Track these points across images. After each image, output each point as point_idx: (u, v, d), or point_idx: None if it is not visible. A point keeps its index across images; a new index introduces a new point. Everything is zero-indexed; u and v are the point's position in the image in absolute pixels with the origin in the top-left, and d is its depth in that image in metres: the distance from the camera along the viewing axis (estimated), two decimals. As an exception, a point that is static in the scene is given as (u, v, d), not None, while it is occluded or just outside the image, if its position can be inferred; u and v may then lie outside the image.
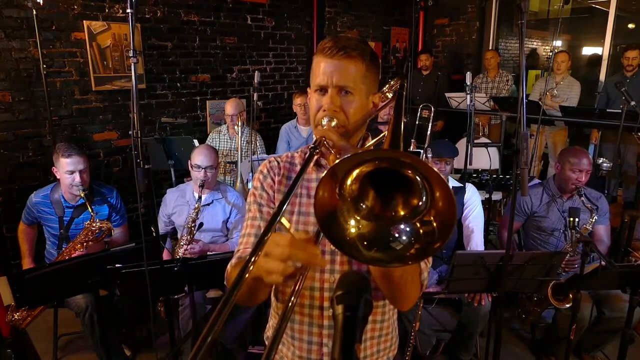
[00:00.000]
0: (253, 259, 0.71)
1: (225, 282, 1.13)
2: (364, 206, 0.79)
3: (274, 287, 1.14)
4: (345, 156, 0.72)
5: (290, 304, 0.78)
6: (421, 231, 0.75)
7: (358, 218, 0.78)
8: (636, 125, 3.75)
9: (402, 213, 0.78)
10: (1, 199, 3.43)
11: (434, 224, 0.74)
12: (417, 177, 0.73)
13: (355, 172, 0.75)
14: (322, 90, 1.05)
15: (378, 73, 1.11)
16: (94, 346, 2.51)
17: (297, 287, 0.80)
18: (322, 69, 1.04)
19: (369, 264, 0.86)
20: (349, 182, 0.76)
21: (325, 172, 0.73)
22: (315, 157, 0.95)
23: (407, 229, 0.76)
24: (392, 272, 0.94)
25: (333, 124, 1.02)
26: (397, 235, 0.77)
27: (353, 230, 0.77)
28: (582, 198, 2.63)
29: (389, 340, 1.22)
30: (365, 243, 0.77)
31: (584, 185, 2.69)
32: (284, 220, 0.81)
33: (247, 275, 0.69)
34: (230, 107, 3.82)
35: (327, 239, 0.77)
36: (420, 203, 0.75)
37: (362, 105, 1.06)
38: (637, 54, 4.56)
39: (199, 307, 2.38)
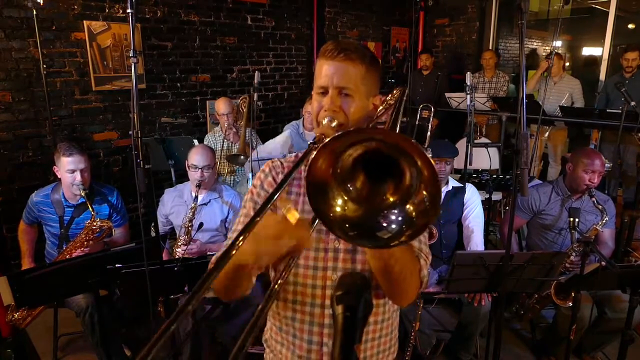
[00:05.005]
0: (239, 241, 0.70)
1: None
2: (352, 188, 0.80)
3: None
4: (346, 131, 0.74)
5: (280, 280, 0.80)
6: (414, 214, 0.75)
7: (346, 199, 0.79)
8: (636, 125, 3.75)
9: (391, 199, 0.78)
10: (1, 199, 3.43)
11: (425, 202, 0.74)
12: (407, 163, 0.74)
13: (351, 151, 0.76)
14: (324, 91, 1.09)
15: (378, 76, 1.15)
16: (94, 346, 2.51)
17: (288, 263, 0.82)
18: (324, 71, 1.08)
19: (355, 244, 0.88)
20: (344, 158, 0.77)
21: (327, 139, 0.74)
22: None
23: (398, 217, 0.76)
24: (391, 267, 0.95)
25: (333, 124, 1.06)
26: (385, 225, 0.77)
27: (338, 209, 0.78)
28: (593, 199, 2.61)
29: (388, 342, 1.22)
30: (347, 226, 0.78)
31: (595, 186, 2.67)
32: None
33: (230, 257, 0.68)
34: (223, 106, 3.71)
35: (314, 212, 0.78)
36: (410, 185, 0.75)
37: (361, 106, 1.10)
38: (636, 55, 4.56)
39: (199, 307, 2.38)
